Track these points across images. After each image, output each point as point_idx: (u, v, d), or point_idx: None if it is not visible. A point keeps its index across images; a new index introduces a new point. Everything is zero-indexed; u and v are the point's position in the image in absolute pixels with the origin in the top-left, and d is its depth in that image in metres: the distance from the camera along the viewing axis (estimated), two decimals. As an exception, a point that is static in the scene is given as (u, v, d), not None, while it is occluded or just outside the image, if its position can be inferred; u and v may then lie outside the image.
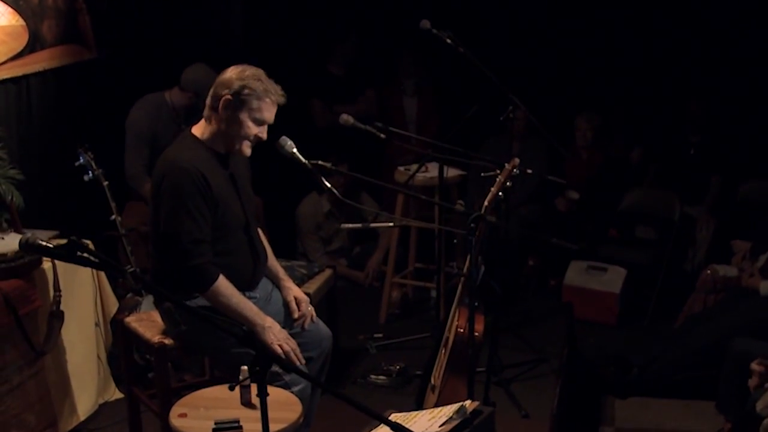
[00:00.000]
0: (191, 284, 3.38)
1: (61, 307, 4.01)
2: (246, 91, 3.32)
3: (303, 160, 3.41)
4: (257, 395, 2.30)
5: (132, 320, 3.70)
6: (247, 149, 3.43)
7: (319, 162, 3.45)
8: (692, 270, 6.15)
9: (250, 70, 3.38)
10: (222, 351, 3.43)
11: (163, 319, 3.56)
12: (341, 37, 6.62)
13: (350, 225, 4.24)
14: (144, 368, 4.45)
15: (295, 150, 3.43)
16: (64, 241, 2.30)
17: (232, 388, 2.46)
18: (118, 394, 4.50)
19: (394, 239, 5.29)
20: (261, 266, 3.60)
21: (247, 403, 2.89)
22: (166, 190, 3.33)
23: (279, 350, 3.33)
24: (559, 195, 6.32)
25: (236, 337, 2.28)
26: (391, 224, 4.55)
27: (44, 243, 2.36)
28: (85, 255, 2.34)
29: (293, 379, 3.38)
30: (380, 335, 5.22)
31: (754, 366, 3.88)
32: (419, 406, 3.91)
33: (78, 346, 4.24)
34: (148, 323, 3.67)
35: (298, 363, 3.38)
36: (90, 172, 4.50)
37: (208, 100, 3.42)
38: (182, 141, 3.46)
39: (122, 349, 3.76)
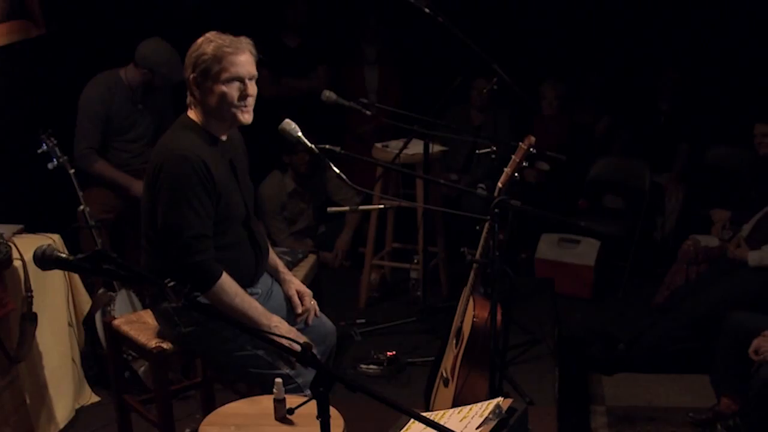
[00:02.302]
0: (193, 282, 3.09)
1: (34, 309, 3.70)
2: (201, 59, 3.08)
3: (309, 144, 3.16)
4: (318, 417, 2.07)
5: (121, 323, 3.40)
6: (241, 115, 3.13)
7: (327, 146, 3.20)
8: (662, 239, 6.11)
9: (199, 40, 3.14)
10: (224, 354, 3.20)
11: (158, 321, 3.29)
12: (289, 2, 6.33)
13: (337, 209, 3.97)
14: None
15: (300, 134, 3.17)
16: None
17: (291, 412, 2.21)
18: (94, 398, 4.23)
19: (373, 219, 5.04)
20: (263, 261, 3.35)
21: (282, 418, 2.64)
22: (165, 181, 3.04)
23: None
24: (528, 166, 6.16)
25: (295, 356, 2.05)
26: (382, 206, 4.28)
27: (64, 255, 2.12)
28: (113, 267, 2.10)
29: (306, 382, 3.16)
30: (363, 321, 4.98)
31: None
32: (428, 398, 3.74)
33: (53, 350, 3.93)
34: (139, 325, 3.37)
35: None
36: (54, 159, 4.22)
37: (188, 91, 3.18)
38: (179, 126, 3.17)
39: (112, 355, 3.46)
